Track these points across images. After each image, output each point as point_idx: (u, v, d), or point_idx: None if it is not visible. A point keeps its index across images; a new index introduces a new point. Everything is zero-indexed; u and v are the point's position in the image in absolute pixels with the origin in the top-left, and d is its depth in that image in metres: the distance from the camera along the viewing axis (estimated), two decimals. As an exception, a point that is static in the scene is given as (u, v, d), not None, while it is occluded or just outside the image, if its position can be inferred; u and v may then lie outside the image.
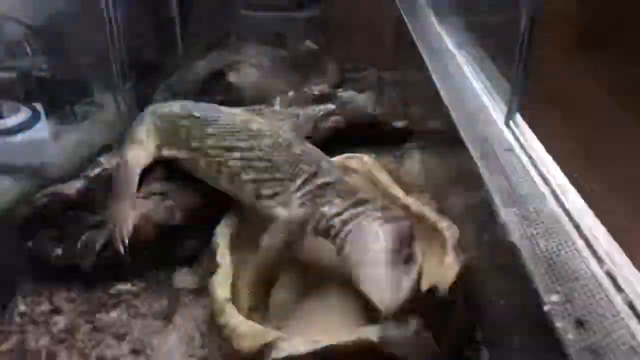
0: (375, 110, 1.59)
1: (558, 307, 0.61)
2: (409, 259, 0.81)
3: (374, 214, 0.88)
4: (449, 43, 1.44)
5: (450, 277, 0.85)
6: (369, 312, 0.89)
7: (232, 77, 1.69)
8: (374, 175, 1.14)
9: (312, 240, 0.96)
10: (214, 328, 0.85)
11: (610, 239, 0.70)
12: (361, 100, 1.61)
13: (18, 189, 1.18)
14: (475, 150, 0.95)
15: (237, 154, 1.04)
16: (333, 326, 0.90)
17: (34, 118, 1.29)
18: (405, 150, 1.57)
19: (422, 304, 0.78)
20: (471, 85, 1.19)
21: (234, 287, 0.88)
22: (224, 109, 1.17)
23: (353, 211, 0.90)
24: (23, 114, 1.29)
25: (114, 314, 1.02)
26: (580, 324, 0.59)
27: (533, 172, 0.86)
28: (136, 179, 1.13)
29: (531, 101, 0.98)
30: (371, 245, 0.82)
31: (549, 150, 0.90)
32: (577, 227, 0.73)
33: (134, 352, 0.95)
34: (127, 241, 1.04)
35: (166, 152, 1.16)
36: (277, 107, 1.52)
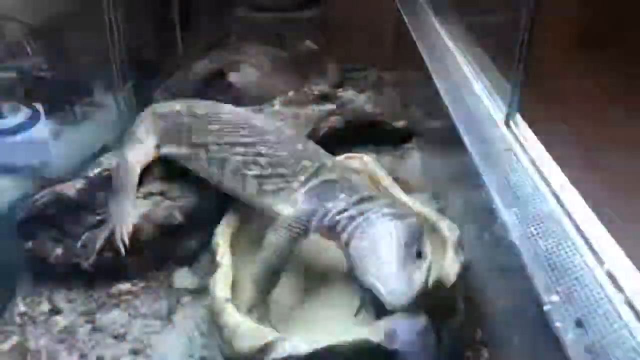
0: (375, 110, 1.59)
1: (558, 307, 0.61)
2: (419, 255, 0.81)
3: (382, 210, 0.88)
4: (449, 43, 1.44)
5: (450, 276, 0.85)
6: (370, 312, 0.89)
7: (232, 77, 1.69)
8: (374, 175, 1.14)
9: (312, 239, 0.97)
10: (214, 328, 0.85)
11: (610, 239, 0.70)
12: (361, 100, 1.61)
13: (18, 189, 1.18)
14: (475, 150, 0.95)
15: (240, 150, 1.04)
16: (333, 326, 0.90)
17: (34, 118, 1.30)
18: (405, 150, 1.57)
19: (430, 299, 0.78)
20: (471, 85, 1.19)
21: (234, 287, 0.88)
22: (226, 105, 1.17)
23: (359, 207, 0.90)
24: (23, 114, 1.29)
25: (114, 314, 1.02)
26: (580, 324, 0.59)
27: (533, 172, 0.86)
28: (136, 179, 1.12)
29: (531, 101, 0.98)
30: (382, 241, 0.82)
31: (549, 150, 0.90)
32: (577, 227, 0.73)
33: (134, 352, 0.94)
34: (127, 240, 1.04)
35: (167, 150, 1.16)
36: (277, 107, 1.52)
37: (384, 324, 0.76)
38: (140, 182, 1.13)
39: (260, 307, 0.89)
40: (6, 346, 0.95)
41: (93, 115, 1.47)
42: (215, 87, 1.68)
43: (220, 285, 0.86)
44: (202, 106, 1.16)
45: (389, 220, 0.85)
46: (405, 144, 1.58)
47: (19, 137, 1.25)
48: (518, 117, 0.99)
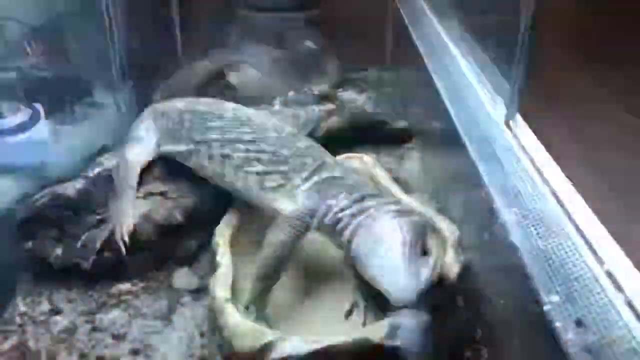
0: (375, 110, 1.59)
1: (558, 307, 0.61)
2: (424, 252, 0.81)
3: (385, 207, 0.88)
4: (449, 43, 1.44)
5: (450, 276, 0.85)
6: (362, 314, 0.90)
7: (232, 77, 1.69)
8: (374, 175, 1.14)
9: (312, 239, 0.96)
10: (214, 328, 0.85)
11: (610, 239, 0.70)
12: (361, 100, 1.61)
13: (18, 189, 1.18)
14: (475, 150, 0.95)
15: (242, 146, 1.04)
16: (333, 326, 0.90)
17: (34, 118, 1.30)
18: (405, 150, 1.57)
19: (435, 297, 0.78)
20: (471, 85, 1.19)
21: (234, 287, 0.88)
22: (227, 103, 1.17)
23: (361, 205, 0.90)
24: (23, 114, 1.29)
25: (114, 314, 1.02)
26: (580, 323, 0.59)
27: (533, 172, 0.86)
28: (136, 178, 1.12)
29: (531, 101, 0.98)
30: (387, 238, 0.82)
31: (549, 150, 0.90)
32: (577, 227, 0.73)
33: (134, 352, 0.95)
34: (127, 240, 1.04)
35: (167, 148, 1.16)
36: (277, 107, 1.52)
37: (387, 321, 0.76)
38: (140, 182, 1.13)
39: (260, 307, 0.89)
40: (6, 346, 0.95)
41: (93, 115, 1.47)
42: (215, 87, 1.68)
43: (220, 285, 0.86)
44: (204, 103, 1.16)
45: (393, 217, 0.85)
46: (405, 144, 1.58)
47: (18, 137, 1.25)
48: (518, 117, 0.99)
